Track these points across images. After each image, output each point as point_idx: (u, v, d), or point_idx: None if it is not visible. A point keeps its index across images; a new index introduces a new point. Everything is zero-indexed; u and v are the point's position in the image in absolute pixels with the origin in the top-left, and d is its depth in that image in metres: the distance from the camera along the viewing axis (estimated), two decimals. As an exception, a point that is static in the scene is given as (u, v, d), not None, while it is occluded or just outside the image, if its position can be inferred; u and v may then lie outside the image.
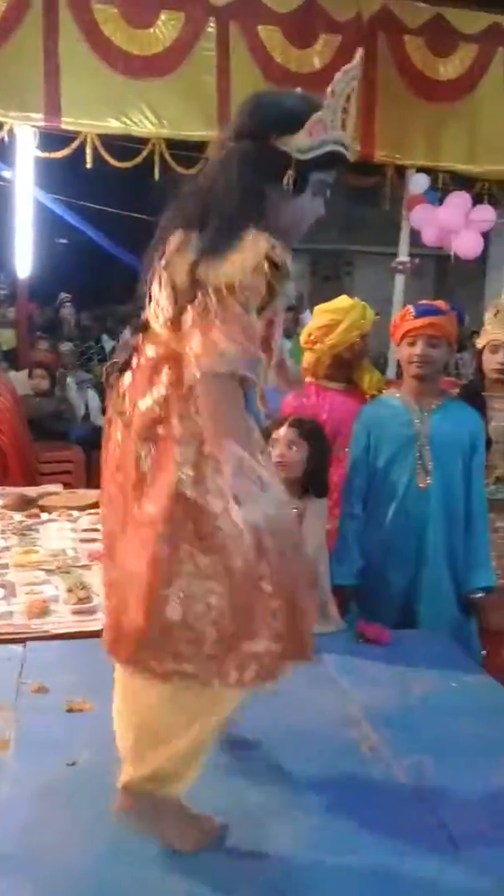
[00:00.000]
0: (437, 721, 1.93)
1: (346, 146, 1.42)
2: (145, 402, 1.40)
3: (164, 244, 1.41)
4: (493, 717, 1.98)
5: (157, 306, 1.40)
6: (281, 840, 1.49)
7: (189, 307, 1.32)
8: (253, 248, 1.30)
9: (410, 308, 2.58)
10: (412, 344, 2.52)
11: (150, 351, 1.43)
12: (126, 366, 1.48)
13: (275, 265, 1.33)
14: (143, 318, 1.45)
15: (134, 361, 1.46)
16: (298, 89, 1.50)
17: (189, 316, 1.32)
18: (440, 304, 2.61)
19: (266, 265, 1.31)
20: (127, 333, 1.54)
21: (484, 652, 2.63)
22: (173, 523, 1.34)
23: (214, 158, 1.45)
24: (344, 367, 3.00)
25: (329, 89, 1.40)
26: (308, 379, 3.03)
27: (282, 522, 1.39)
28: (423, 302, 2.65)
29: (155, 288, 1.41)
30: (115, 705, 1.50)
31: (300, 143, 1.37)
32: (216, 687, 1.38)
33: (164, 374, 1.39)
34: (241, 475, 1.27)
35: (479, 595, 2.55)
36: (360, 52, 1.46)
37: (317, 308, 3.13)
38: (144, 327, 1.45)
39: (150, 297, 1.42)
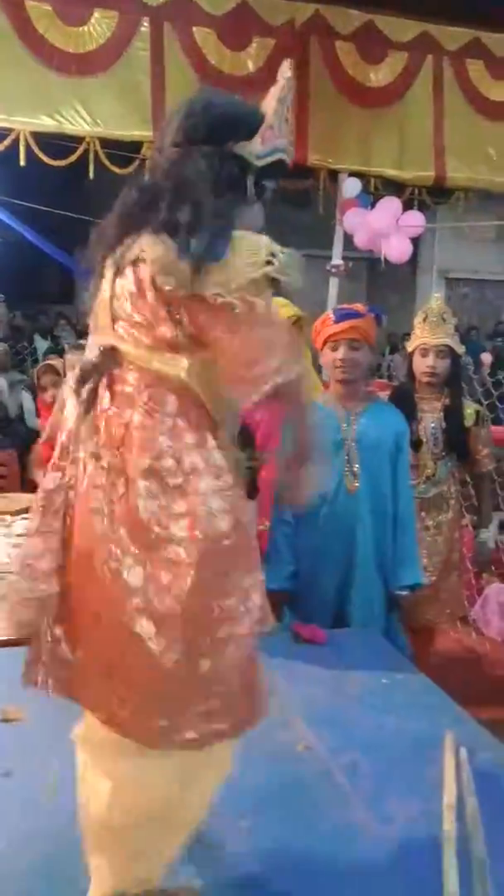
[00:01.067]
0: (371, 718, 1.97)
1: (288, 153, 1.42)
2: (147, 436, 1.27)
3: (116, 254, 1.33)
4: (424, 712, 2.03)
5: (131, 326, 1.30)
6: (216, 839, 1.50)
7: (206, 320, 1.24)
8: (253, 243, 1.25)
9: (330, 313, 2.63)
10: (334, 349, 2.57)
11: (132, 378, 1.30)
12: (92, 399, 1.34)
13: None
14: (106, 343, 1.34)
15: (105, 393, 1.33)
16: (236, 96, 1.45)
17: (215, 328, 1.23)
18: (358, 307, 2.66)
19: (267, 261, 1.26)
20: (73, 357, 1.47)
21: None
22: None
23: (164, 161, 1.38)
24: None
25: (276, 97, 1.39)
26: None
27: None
28: (342, 306, 2.70)
29: (127, 306, 1.31)
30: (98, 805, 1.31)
31: (256, 150, 1.36)
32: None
33: (170, 404, 1.28)
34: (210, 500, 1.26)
35: (406, 593, 2.62)
36: (288, 62, 1.45)
37: None
38: (111, 351, 1.33)
39: (114, 317, 1.33)
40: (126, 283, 1.31)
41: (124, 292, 1.31)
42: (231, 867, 1.46)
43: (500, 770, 1.77)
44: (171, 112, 1.41)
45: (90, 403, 1.34)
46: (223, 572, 1.27)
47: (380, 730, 1.93)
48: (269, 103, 1.40)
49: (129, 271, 1.31)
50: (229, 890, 1.42)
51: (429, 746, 1.85)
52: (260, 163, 1.36)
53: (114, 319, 1.33)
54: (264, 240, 1.27)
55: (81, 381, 1.37)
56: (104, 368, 1.34)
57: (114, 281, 1.33)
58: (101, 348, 1.36)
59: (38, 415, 5.42)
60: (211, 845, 1.49)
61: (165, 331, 1.27)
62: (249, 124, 1.36)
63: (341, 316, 2.57)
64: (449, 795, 1.65)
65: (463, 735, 1.88)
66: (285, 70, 1.43)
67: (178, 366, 1.28)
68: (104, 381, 1.34)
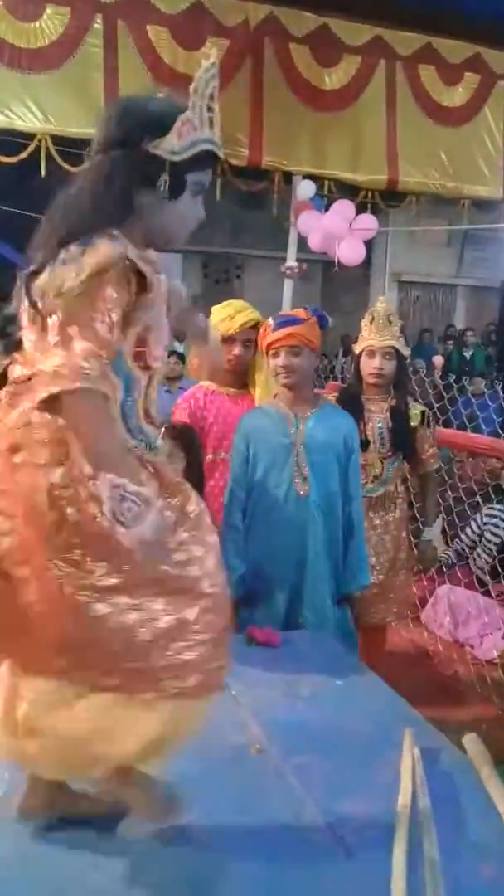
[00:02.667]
0: (324, 720, 1.98)
1: (216, 144, 1.43)
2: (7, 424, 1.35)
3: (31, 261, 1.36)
4: (376, 713, 2.05)
5: (24, 328, 1.37)
6: (169, 841, 1.49)
7: (42, 322, 1.29)
8: (93, 253, 1.27)
9: (269, 321, 2.64)
10: (275, 355, 2.59)
11: (16, 370, 1.38)
12: None
13: (137, 273, 1.33)
14: (17, 336, 1.40)
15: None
16: (161, 93, 1.47)
17: (43, 330, 1.29)
18: (299, 312, 2.69)
19: (116, 272, 1.29)
20: None
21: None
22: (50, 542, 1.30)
23: (82, 170, 1.42)
24: (238, 373, 3.01)
25: (192, 88, 1.39)
26: (200, 382, 3.05)
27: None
28: (282, 313, 2.73)
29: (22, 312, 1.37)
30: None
31: (171, 145, 1.37)
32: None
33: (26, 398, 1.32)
34: (119, 501, 1.25)
35: (356, 593, 2.65)
36: (214, 55, 1.43)
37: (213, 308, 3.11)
38: (18, 346, 1.39)
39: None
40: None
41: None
42: (180, 867, 1.45)
43: (451, 770, 1.79)
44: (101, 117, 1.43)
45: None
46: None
47: (332, 731, 1.93)
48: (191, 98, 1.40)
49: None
50: (180, 891, 1.40)
51: (381, 747, 1.86)
52: (177, 157, 1.37)
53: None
54: (108, 250, 1.28)
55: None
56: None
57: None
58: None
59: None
60: (161, 845, 1.48)
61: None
62: (160, 122, 1.37)
63: (280, 324, 2.60)
64: (404, 795, 1.66)
65: (415, 735, 1.89)
66: (206, 59, 1.42)
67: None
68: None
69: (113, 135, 1.38)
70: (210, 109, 1.41)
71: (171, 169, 1.37)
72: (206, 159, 1.42)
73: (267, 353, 2.64)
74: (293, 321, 2.59)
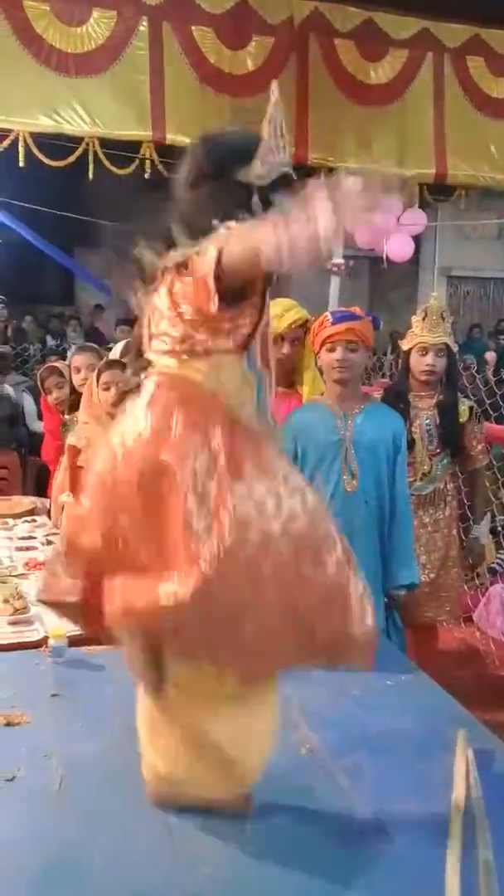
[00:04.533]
0: (374, 720, 1.96)
1: (290, 166, 1.57)
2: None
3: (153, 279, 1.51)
4: (427, 714, 2.02)
5: (154, 337, 1.50)
6: (223, 838, 1.50)
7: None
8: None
9: (328, 315, 2.64)
10: (332, 350, 2.57)
11: (150, 386, 1.48)
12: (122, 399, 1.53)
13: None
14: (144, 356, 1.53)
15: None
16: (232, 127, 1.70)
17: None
18: (356, 309, 2.68)
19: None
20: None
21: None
22: None
23: (178, 202, 1.54)
24: (286, 371, 2.99)
25: (267, 119, 1.58)
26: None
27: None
28: (340, 308, 2.71)
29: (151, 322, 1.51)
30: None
31: (257, 172, 1.50)
32: None
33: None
34: None
35: (402, 592, 2.62)
36: (274, 84, 1.65)
37: None
38: (147, 365, 1.52)
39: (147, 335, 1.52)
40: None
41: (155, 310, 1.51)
42: (234, 870, 1.45)
43: (505, 772, 1.76)
44: (186, 153, 1.57)
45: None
46: None
47: (383, 731, 1.91)
48: (264, 127, 1.58)
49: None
50: (232, 891, 1.41)
51: (432, 748, 1.83)
52: (262, 182, 1.51)
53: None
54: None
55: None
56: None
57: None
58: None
59: (39, 417, 5.42)
60: (215, 847, 1.48)
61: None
62: (247, 151, 1.51)
63: (339, 318, 2.59)
64: (458, 796, 1.64)
65: (467, 736, 1.86)
66: (273, 92, 1.64)
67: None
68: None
69: (206, 169, 1.52)
70: (282, 136, 1.59)
71: (258, 193, 1.50)
72: (283, 180, 1.53)
73: (321, 347, 2.62)
74: (352, 316, 2.60)
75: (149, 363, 1.51)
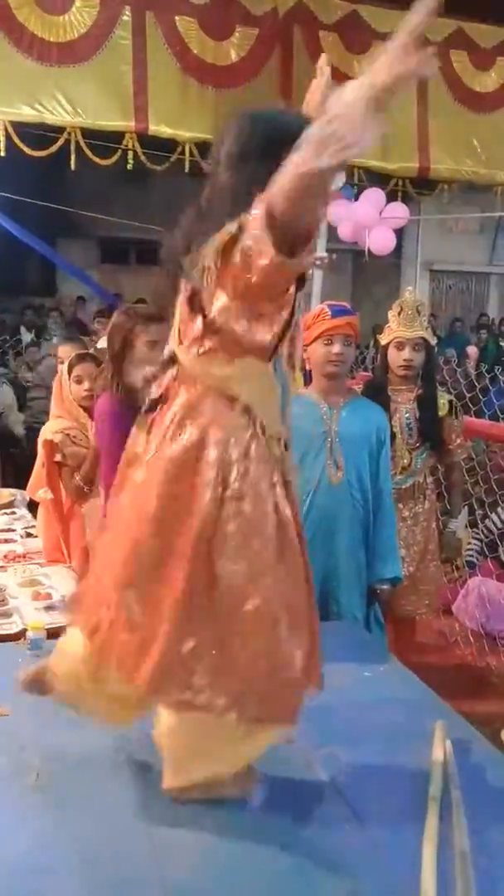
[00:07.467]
0: (353, 711, 1.97)
1: None
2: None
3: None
4: (405, 705, 2.04)
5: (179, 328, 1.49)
6: (200, 828, 1.50)
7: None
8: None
9: (325, 308, 2.62)
10: (329, 343, 2.56)
11: (183, 393, 1.48)
12: (155, 405, 1.52)
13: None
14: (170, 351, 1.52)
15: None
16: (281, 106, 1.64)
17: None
18: (343, 304, 2.68)
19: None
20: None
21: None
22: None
23: (224, 178, 1.49)
24: None
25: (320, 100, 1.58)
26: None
27: None
28: (333, 302, 2.70)
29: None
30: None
31: None
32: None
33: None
34: None
35: (386, 587, 2.63)
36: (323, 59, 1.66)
37: None
38: (172, 361, 1.51)
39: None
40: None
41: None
42: (211, 858, 1.45)
43: (482, 762, 1.78)
44: (222, 130, 1.53)
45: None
46: None
47: (361, 722, 1.92)
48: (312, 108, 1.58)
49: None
50: (210, 880, 1.41)
51: (410, 739, 1.85)
52: None
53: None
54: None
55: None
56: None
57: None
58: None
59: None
60: (191, 837, 1.49)
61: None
62: (295, 133, 1.43)
63: (338, 312, 2.59)
64: (435, 787, 1.65)
65: (445, 727, 1.87)
66: (322, 70, 1.71)
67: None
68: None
69: (249, 149, 1.46)
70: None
71: None
72: None
73: (314, 340, 2.60)
74: (349, 311, 2.61)
75: (174, 360, 1.50)
